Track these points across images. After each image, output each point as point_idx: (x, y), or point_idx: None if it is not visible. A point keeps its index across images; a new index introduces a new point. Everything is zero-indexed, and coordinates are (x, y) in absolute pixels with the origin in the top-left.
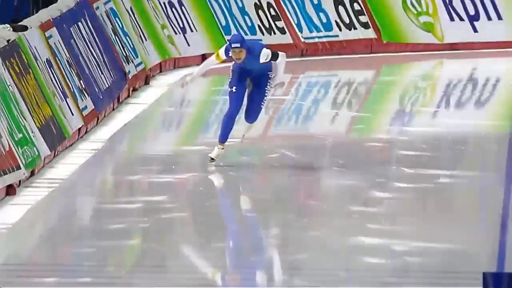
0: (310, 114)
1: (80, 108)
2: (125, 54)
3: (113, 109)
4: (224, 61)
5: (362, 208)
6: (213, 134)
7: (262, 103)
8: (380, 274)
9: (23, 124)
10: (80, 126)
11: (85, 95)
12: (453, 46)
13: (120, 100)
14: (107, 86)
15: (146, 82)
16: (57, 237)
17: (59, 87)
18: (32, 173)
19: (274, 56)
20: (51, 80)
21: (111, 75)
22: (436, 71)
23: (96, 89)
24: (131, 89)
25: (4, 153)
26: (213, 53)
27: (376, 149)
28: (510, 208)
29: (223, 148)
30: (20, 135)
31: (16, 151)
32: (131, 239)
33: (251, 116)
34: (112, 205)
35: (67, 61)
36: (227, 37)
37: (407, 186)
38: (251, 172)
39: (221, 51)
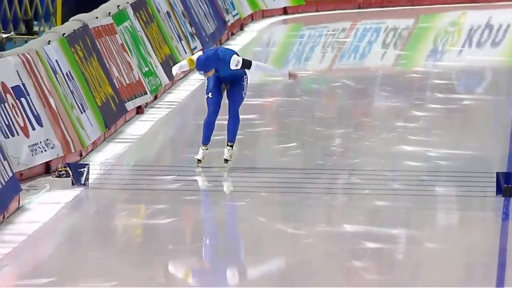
0: (365, 52)
1: (191, 48)
2: (225, 7)
3: None
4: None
5: (404, 123)
6: (291, 67)
7: (239, 103)
8: (417, 173)
9: (149, 60)
10: None
11: (195, 38)
12: (474, 0)
13: (221, 42)
14: (211, 31)
15: (241, 29)
16: (174, 145)
17: (175, 32)
18: (156, 97)
19: (247, 65)
20: (170, 27)
21: (214, 23)
22: (461, 19)
23: (203, 33)
24: (229, 33)
25: (135, 82)
26: (291, 6)
27: (415, 79)
28: None
29: (207, 149)
30: (147, 69)
31: (144, 81)
32: None
33: (231, 113)
34: (216, 121)
35: (182, 12)
36: None
37: (439, 107)
38: (320, 97)
39: (194, 58)
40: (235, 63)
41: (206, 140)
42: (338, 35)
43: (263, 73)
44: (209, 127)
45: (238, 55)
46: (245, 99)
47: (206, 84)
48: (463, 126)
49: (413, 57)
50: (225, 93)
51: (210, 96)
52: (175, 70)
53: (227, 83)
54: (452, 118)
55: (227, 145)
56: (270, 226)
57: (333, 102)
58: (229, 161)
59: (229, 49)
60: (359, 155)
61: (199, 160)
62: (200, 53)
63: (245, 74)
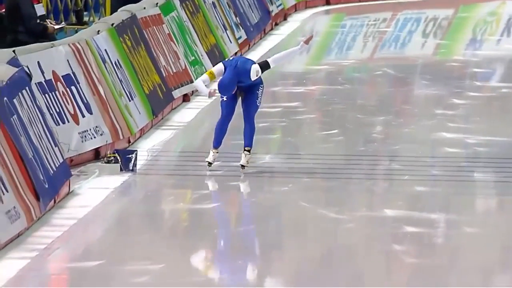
0: (405, 41)
1: (236, 37)
2: None
3: (260, 39)
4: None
5: (444, 111)
6: (334, 56)
7: (254, 111)
8: (457, 160)
9: (195, 50)
10: (236, 51)
11: (240, 28)
12: None
13: (266, 32)
14: (256, 21)
15: (285, 19)
16: None
17: (220, 22)
18: None
19: (267, 67)
20: (215, 17)
21: (259, 13)
22: (500, 9)
23: (248, 23)
24: (273, 23)
25: (181, 70)
26: None
27: (454, 68)
28: None
29: (217, 152)
30: (193, 58)
31: (190, 69)
32: (273, 134)
33: (246, 120)
34: (260, 108)
35: (227, 3)
36: None
37: (477, 94)
38: (361, 85)
39: (214, 71)
40: (255, 75)
41: (217, 144)
42: (379, 25)
43: (286, 60)
44: (221, 130)
45: (255, 63)
46: (260, 107)
47: None
48: (502, 113)
49: (452, 46)
50: (240, 100)
51: (225, 99)
52: (198, 85)
53: (242, 90)
54: (491, 105)
55: (244, 150)
56: (312, 210)
57: (374, 90)
58: (245, 167)
59: (247, 59)
60: (399, 141)
61: (209, 163)
62: (221, 65)
63: (261, 83)
